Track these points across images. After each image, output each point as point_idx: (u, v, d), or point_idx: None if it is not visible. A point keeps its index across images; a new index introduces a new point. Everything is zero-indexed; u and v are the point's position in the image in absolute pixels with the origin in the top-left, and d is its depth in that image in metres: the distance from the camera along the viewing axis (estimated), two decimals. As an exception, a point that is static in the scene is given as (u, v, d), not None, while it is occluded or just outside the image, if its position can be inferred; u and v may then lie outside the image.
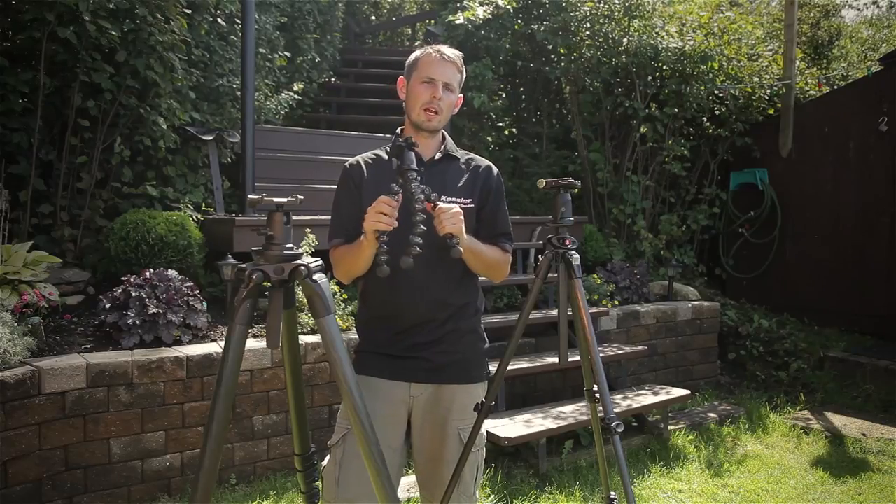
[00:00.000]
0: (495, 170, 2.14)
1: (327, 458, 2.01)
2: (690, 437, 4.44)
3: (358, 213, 1.99)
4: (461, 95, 2.11)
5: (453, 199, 1.99)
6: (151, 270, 3.81)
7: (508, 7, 6.28)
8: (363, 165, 2.06)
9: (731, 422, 4.77)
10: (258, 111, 5.96)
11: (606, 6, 6.35)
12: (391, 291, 1.99)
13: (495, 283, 2.13)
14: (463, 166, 2.09)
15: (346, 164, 2.08)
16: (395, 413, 2.00)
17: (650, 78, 6.44)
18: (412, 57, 2.08)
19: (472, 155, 2.16)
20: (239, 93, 5.30)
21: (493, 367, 2.23)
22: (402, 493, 3.17)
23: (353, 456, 1.91)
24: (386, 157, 2.06)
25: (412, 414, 2.04)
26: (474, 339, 2.10)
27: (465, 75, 2.10)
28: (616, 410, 2.98)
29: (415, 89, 2.01)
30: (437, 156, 2.06)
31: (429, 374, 2.01)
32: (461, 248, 1.75)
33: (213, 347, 3.64)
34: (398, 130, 2.11)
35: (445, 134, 2.13)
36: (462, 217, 1.82)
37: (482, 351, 2.13)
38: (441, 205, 1.79)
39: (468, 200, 2.04)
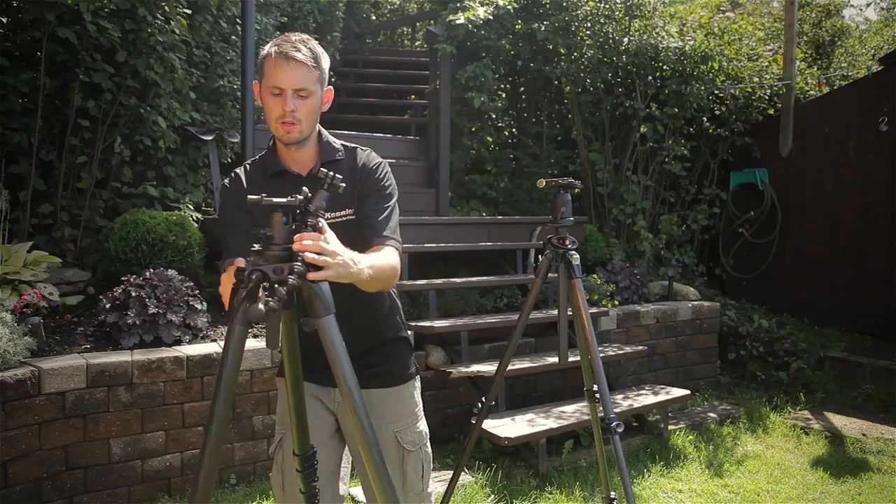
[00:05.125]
0: (373, 163, 1.86)
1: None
2: (690, 437, 4.44)
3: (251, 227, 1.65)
4: (329, 87, 1.80)
5: (337, 213, 1.78)
6: (151, 270, 3.81)
7: (509, 7, 6.28)
8: (244, 181, 1.85)
9: (731, 422, 4.77)
10: (258, 111, 5.95)
11: (607, 6, 6.35)
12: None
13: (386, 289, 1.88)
14: (345, 169, 1.81)
15: (226, 179, 1.89)
16: (317, 408, 1.94)
17: (650, 78, 6.44)
18: (260, 56, 1.77)
19: (357, 150, 1.88)
20: (239, 93, 5.30)
21: (493, 368, 2.24)
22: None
23: (292, 459, 1.84)
24: (261, 166, 1.87)
25: (340, 421, 1.97)
26: (397, 344, 2.01)
27: (325, 67, 1.77)
28: (616, 410, 2.99)
29: (265, 101, 1.73)
30: (317, 168, 1.78)
31: None
32: (313, 322, 1.41)
33: (213, 347, 3.64)
34: (270, 140, 1.86)
35: (322, 132, 1.86)
36: (327, 248, 1.41)
37: (405, 352, 2.04)
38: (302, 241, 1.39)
39: (349, 211, 1.81)
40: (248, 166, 1.90)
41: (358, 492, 3.32)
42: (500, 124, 7.26)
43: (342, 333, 1.56)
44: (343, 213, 1.81)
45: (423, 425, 2.04)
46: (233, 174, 1.89)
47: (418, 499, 2.01)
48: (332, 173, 1.42)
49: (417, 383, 2.07)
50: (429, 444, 2.05)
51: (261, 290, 1.35)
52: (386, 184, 1.86)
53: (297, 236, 1.39)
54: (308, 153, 1.83)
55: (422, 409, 2.06)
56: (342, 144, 1.89)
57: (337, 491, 1.99)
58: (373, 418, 1.88)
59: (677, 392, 4.59)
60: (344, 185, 1.42)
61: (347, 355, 1.43)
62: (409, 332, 2.09)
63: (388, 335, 1.99)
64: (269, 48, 1.74)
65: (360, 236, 1.76)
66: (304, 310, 1.43)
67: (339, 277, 1.44)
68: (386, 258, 1.71)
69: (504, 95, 7.29)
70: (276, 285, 1.32)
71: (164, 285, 3.72)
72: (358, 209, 1.81)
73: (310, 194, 1.42)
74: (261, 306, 1.33)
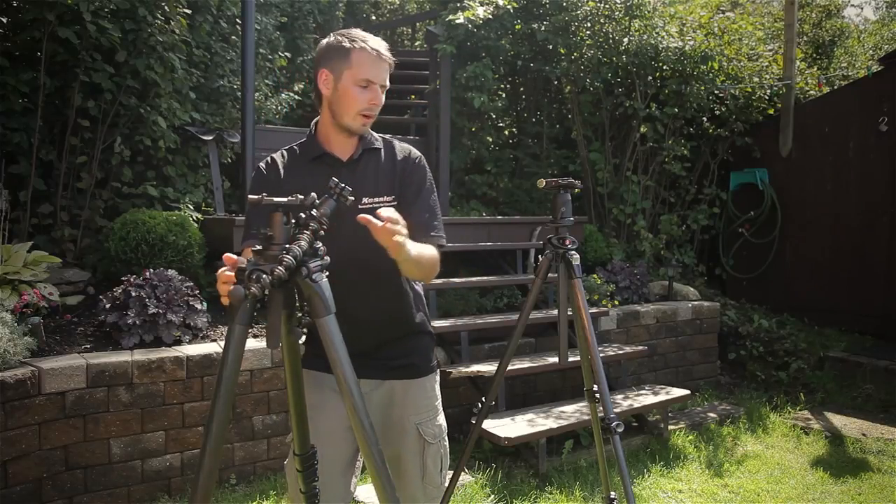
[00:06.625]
0: (416, 156, 1.97)
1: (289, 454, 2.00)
2: (690, 437, 4.44)
3: None
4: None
5: (375, 198, 1.86)
6: (151, 270, 3.81)
7: (509, 7, 6.28)
8: (280, 166, 1.90)
9: (731, 422, 4.77)
10: (258, 111, 5.96)
11: (607, 6, 6.35)
12: None
13: (426, 283, 2.01)
14: (384, 158, 1.93)
15: (261, 163, 1.93)
16: (335, 400, 1.92)
17: (650, 78, 6.44)
18: (339, 45, 1.83)
19: (394, 142, 1.99)
20: (239, 93, 5.30)
21: (493, 368, 2.24)
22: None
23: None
24: (298, 152, 1.93)
25: None
26: (420, 337, 2.04)
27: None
28: (616, 410, 2.98)
29: (349, 91, 1.81)
30: (358, 153, 1.90)
31: (377, 372, 1.95)
32: (301, 332, 1.50)
33: (213, 347, 3.64)
34: (312, 126, 1.93)
35: None
36: (400, 228, 1.58)
37: (429, 346, 2.07)
38: (381, 216, 1.53)
39: (390, 198, 1.88)
40: (285, 152, 1.94)
41: (359, 492, 3.32)
42: (500, 124, 7.26)
43: (370, 324, 1.79)
44: (383, 198, 1.87)
45: (442, 419, 2.06)
46: (269, 159, 1.93)
47: (437, 492, 2.03)
48: (342, 184, 1.47)
49: (437, 377, 2.09)
50: (447, 438, 2.08)
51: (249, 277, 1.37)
52: (429, 176, 1.96)
53: (380, 211, 1.53)
54: (353, 140, 1.91)
55: (441, 402, 2.08)
56: (380, 136, 1.98)
57: (349, 485, 1.99)
58: (395, 409, 1.95)
59: (677, 392, 4.59)
60: (353, 198, 1.47)
61: (347, 355, 1.43)
62: (432, 327, 2.12)
63: (412, 328, 2.01)
64: (355, 42, 1.82)
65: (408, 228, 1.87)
66: (295, 320, 1.47)
67: (397, 252, 1.59)
68: (432, 252, 1.82)
69: (504, 95, 7.29)
70: (263, 274, 1.34)
71: (164, 285, 3.72)
72: (400, 197, 1.88)
73: (317, 200, 1.44)
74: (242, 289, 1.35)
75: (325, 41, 1.88)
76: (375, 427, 1.95)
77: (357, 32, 1.86)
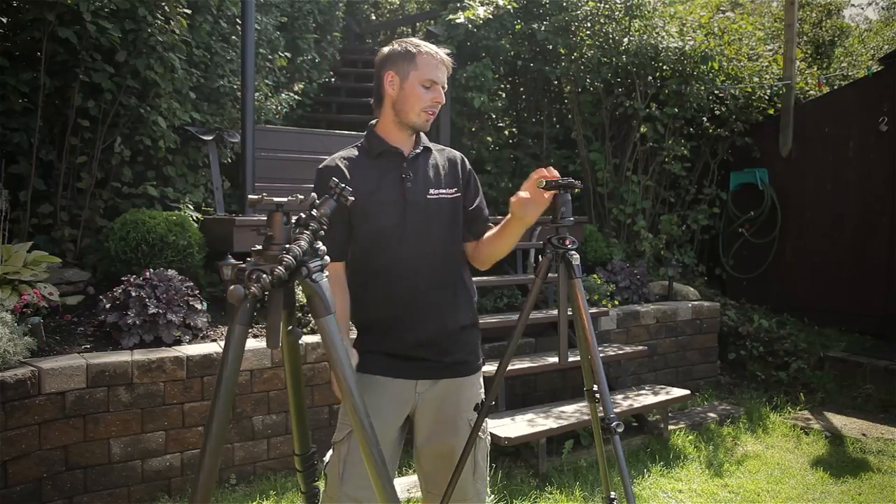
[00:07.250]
0: (466, 160, 2.20)
1: (329, 453, 2.02)
2: (690, 437, 4.44)
3: (344, 224, 1.95)
4: None
5: (440, 190, 2.03)
6: (151, 270, 3.81)
7: (509, 7, 6.28)
8: (342, 167, 1.99)
9: (731, 422, 4.77)
10: (258, 111, 5.96)
11: (607, 6, 6.35)
12: (389, 310, 2.00)
13: (482, 268, 2.18)
14: (438, 157, 2.11)
15: (321, 166, 2.02)
16: (397, 411, 2.02)
17: (650, 78, 6.44)
18: (404, 50, 2.00)
19: (440, 145, 2.18)
20: (239, 93, 5.30)
21: (492, 368, 2.24)
22: (401, 494, 3.17)
23: (357, 452, 1.91)
24: (357, 153, 2.04)
25: (416, 411, 2.06)
26: (472, 331, 2.13)
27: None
28: (616, 410, 2.98)
29: (414, 90, 1.98)
30: (418, 150, 2.06)
31: (434, 371, 2.04)
32: (300, 332, 1.57)
33: (213, 347, 3.64)
34: (369, 129, 2.07)
35: None
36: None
37: (478, 340, 2.17)
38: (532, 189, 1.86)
39: (453, 190, 2.07)
40: (343, 156, 2.03)
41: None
42: (500, 124, 7.26)
43: (435, 311, 1.98)
44: (451, 190, 2.07)
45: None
46: (329, 163, 2.01)
47: (486, 486, 2.12)
48: (342, 185, 1.49)
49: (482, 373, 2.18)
50: (489, 435, 2.17)
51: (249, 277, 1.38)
52: (477, 178, 2.21)
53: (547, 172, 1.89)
54: (412, 139, 2.08)
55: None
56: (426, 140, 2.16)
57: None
58: (449, 407, 2.04)
59: (677, 392, 4.59)
60: (353, 198, 1.51)
61: (347, 355, 1.43)
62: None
63: (467, 320, 2.09)
64: (419, 47, 1.99)
65: (471, 223, 2.11)
66: (295, 320, 1.50)
67: (530, 217, 1.92)
68: None
69: (504, 95, 7.29)
70: (263, 274, 1.34)
71: (164, 285, 3.72)
72: (464, 194, 2.10)
73: (317, 200, 1.45)
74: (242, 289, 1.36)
75: (386, 49, 2.04)
76: (427, 424, 2.05)
77: (416, 40, 2.06)
